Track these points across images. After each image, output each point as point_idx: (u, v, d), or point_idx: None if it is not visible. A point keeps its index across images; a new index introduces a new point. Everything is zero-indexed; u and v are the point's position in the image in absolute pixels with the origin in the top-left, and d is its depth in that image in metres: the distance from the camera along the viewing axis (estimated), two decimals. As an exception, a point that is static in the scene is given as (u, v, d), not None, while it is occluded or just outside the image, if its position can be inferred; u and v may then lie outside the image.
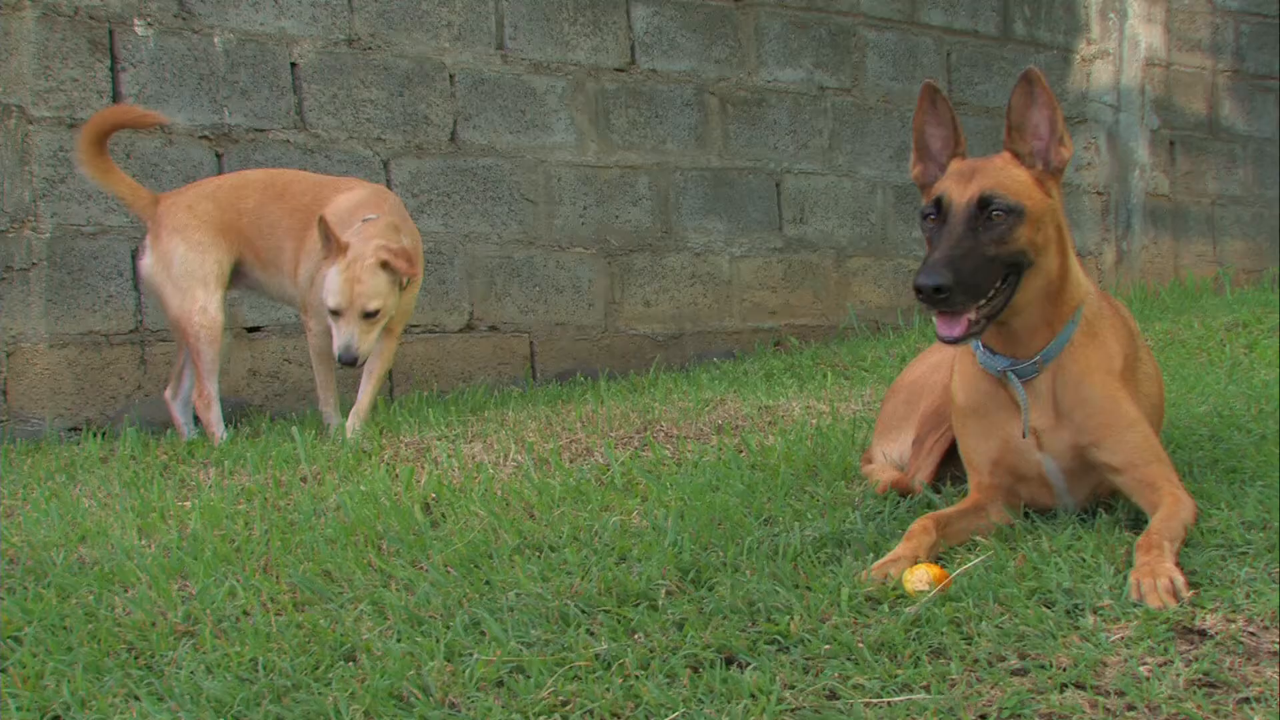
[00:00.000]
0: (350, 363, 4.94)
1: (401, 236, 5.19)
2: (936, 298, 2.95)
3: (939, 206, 3.09)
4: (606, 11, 7.28)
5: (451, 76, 6.76)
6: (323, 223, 4.95)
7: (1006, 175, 3.12)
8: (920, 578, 2.83)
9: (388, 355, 5.35)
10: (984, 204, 3.05)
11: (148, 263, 5.28)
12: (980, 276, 3.00)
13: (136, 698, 2.48)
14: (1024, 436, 3.23)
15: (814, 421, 4.76)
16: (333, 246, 4.95)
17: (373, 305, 4.93)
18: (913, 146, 3.30)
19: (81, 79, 5.76)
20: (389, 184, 6.50)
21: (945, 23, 8.66)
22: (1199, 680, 2.30)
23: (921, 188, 3.25)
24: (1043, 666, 2.39)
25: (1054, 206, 3.18)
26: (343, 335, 4.94)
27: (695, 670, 2.47)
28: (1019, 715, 2.22)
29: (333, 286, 4.94)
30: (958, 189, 3.08)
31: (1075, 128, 9.30)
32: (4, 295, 5.59)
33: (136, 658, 2.72)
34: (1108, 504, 3.35)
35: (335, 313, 4.96)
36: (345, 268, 4.91)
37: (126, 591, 3.15)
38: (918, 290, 2.97)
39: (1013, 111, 3.19)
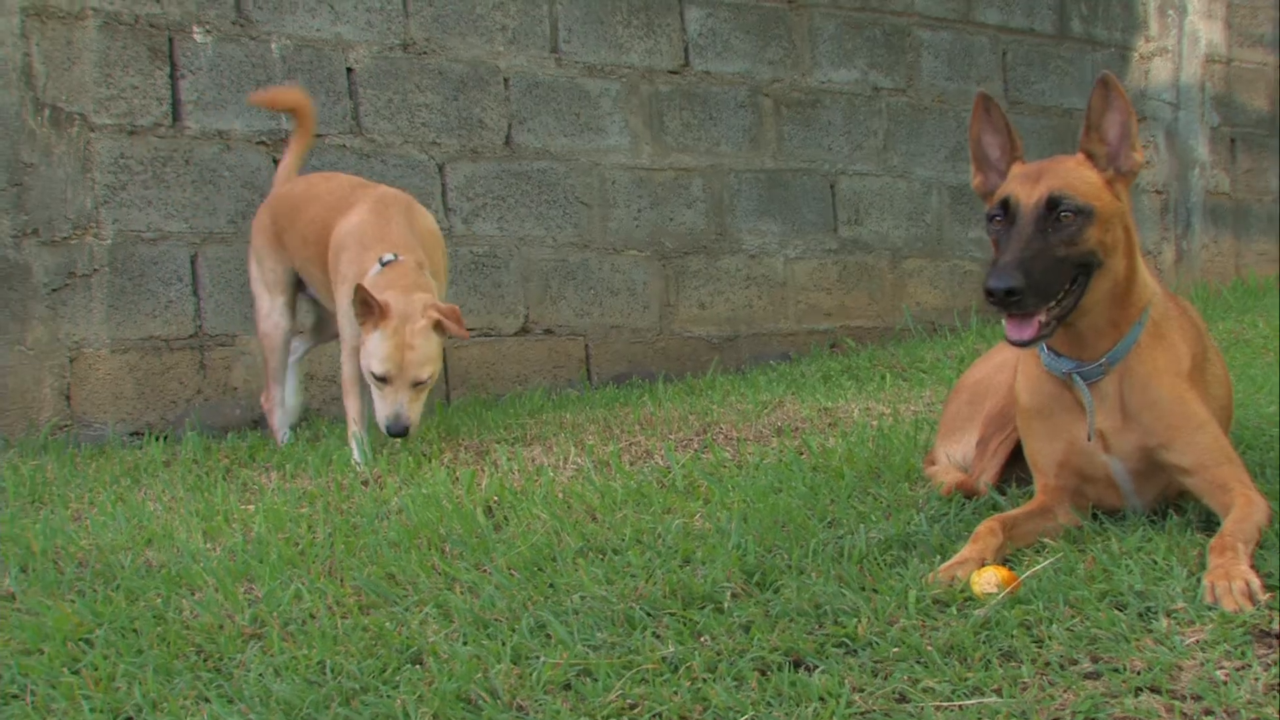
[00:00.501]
0: (400, 434, 4.53)
1: (424, 273, 4.81)
2: (1009, 300, 2.92)
3: (1006, 208, 3.06)
4: (660, 13, 7.27)
5: (506, 80, 6.77)
6: (360, 292, 4.50)
7: (1076, 176, 3.08)
8: (988, 580, 2.81)
9: None
10: (1053, 204, 3.02)
11: None
12: (1051, 278, 2.97)
13: (207, 699, 2.49)
14: (1089, 439, 3.19)
15: (874, 423, 4.73)
16: (374, 311, 4.52)
17: (425, 373, 4.54)
18: (971, 157, 3.28)
19: (142, 86, 5.82)
20: (444, 188, 6.52)
21: (1001, 21, 8.59)
22: (1278, 685, 2.26)
23: (983, 197, 3.23)
24: (1116, 670, 2.36)
25: (1123, 209, 3.15)
26: (389, 405, 4.52)
27: (763, 673, 2.46)
28: (1093, 719, 2.20)
29: (379, 352, 4.51)
30: (1025, 190, 3.05)
31: (1133, 126, 9.20)
32: (67, 301, 5.65)
33: (205, 660, 2.74)
34: (1177, 505, 3.30)
35: (382, 380, 4.53)
36: (393, 333, 4.51)
37: (194, 594, 3.17)
38: (989, 293, 2.94)
39: (1091, 112, 3.16)
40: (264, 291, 5.30)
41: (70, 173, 5.66)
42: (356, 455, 4.75)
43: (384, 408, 4.53)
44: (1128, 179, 3.17)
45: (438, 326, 4.57)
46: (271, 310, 5.26)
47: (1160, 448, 3.17)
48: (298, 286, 5.33)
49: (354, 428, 4.93)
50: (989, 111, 3.22)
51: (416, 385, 4.53)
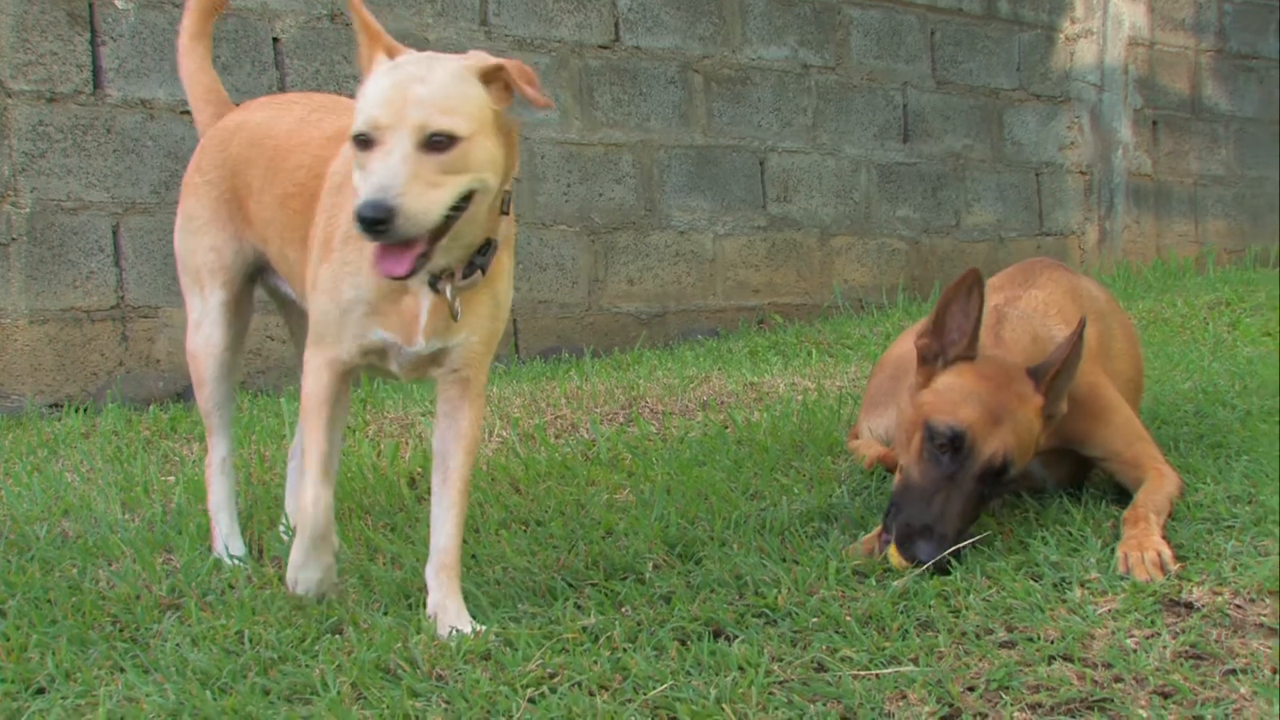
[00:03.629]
0: (374, 223, 2.28)
1: None
2: None
3: (956, 445, 2.92)
4: (591, -12, 7.24)
5: (435, 52, 6.72)
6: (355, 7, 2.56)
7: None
8: None
9: (474, 422, 2.75)
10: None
11: None
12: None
13: (122, 669, 2.47)
14: None
15: (799, 398, 4.76)
16: (372, 39, 2.54)
17: (441, 122, 2.36)
18: (931, 318, 3.07)
19: (61, 52, 5.71)
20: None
21: (930, 1, 8.64)
22: (1186, 652, 2.31)
23: (923, 359, 3.08)
24: (1030, 639, 2.40)
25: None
26: (373, 174, 2.34)
27: (683, 643, 2.47)
28: (1007, 687, 2.23)
29: (369, 94, 2.44)
30: (985, 433, 2.92)
31: (1059, 107, 9.30)
32: (-16, 270, 5.54)
33: (121, 630, 2.71)
34: (1092, 479, 3.36)
35: (365, 140, 2.38)
36: (395, 67, 2.47)
37: (110, 565, 3.13)
38: None
39: None
40: (194, 285, 3.22)
41: (-13, 139, 5.55)
42: (297, 557, 2.78)
43: (365, 184, 2.35)
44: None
45: (490, 76, 2.49)
46: (204, 316, 3.19)
47: (1073, 443, 3.22)
48: (253, 277, 3.25)
49: (304, 512, 2.72)
50: (970, 294, 3.01)
51: (432, 145, 2.35)
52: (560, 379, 5.77)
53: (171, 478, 4.05)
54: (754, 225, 7.86)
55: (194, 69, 3.35)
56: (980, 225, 8.87)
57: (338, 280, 2.64)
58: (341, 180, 2.69)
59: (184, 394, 5.72)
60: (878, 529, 3.01)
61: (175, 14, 5.91)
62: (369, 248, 2.44)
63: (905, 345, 3.99)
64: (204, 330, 3.17)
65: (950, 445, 2.89)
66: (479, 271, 2.55)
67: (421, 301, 2.59)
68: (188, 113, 5.96)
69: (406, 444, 4.33)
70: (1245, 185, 10.43)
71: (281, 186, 2.96)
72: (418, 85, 2.39)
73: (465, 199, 2.40)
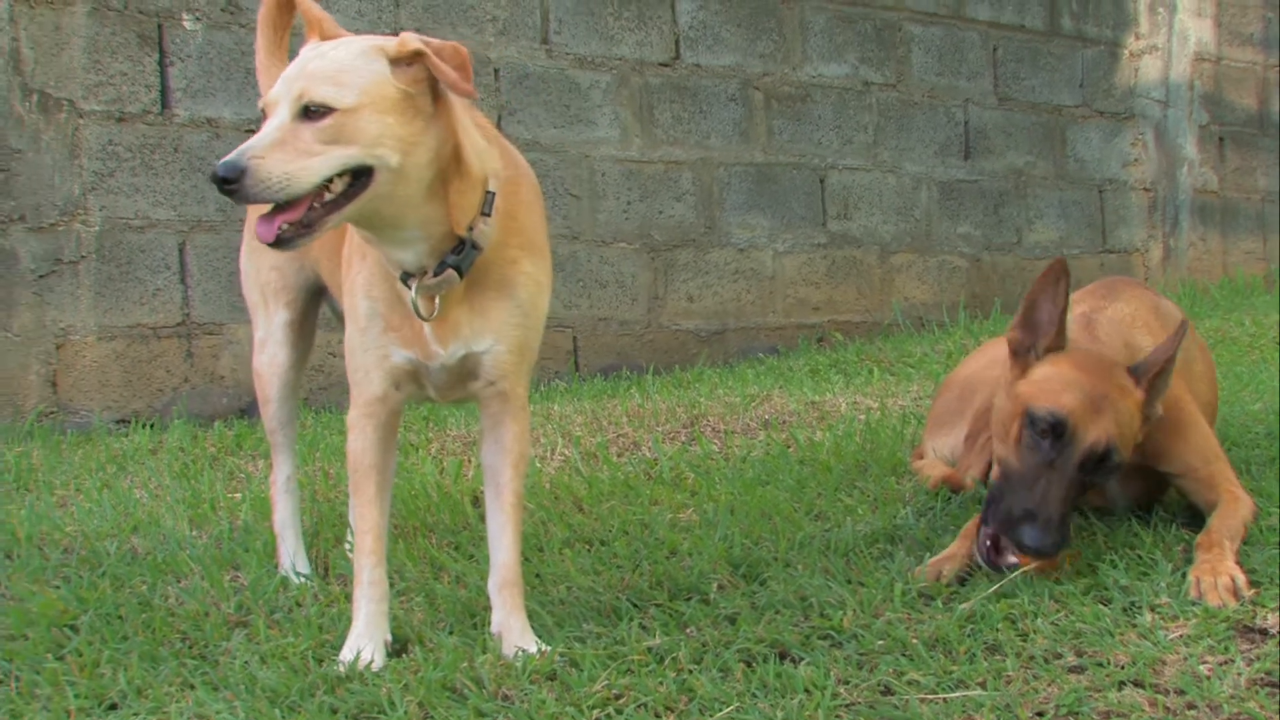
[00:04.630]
0: (223, 181, 2.27)
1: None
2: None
3: (1058, 431, 2.91)
4: (651, 6, 7.26)
5: (496, 71, 6.76)
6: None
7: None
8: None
9: (518, 436, 2.72)
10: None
11: None
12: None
13: (191, 686, 2.49)
14: None
15: (862, 417, 4.74)
16: (311, 25, 2.65)
17: (320, 92, 2.35)
18: (1019, 315, 3.08)
19: (130, 73, 5.80)
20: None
21: (992, 17, 8.60)
22: (1261, 679, 2.28)
23: (1014, 353, 3.08)
24: (1100, 664, 2.37)
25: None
26: (246, 142, 2.34)
27: (748, 664, 2.46)
28: (1076, 713, 2.20)
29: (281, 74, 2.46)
30: (1086, 420, 2.92)
31: (1122, 124, 9.22)
32: (54, 288, 5.63)
33: (190, 647, 2.73)
34: (1162, 501, 3.32)
35: (263, 114, 2.43)
36: (311, 47, 2.52)
37: (179, 581, 3.16)
38: None
39: None
40: (260, 303, 3.26)
41: (58, 159, 5.64)
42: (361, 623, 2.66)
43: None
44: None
45: (402, 58, 2.44)
46: (268, 335, 3.24)
47: (1151, 456, 3.18)
48: (317, 296, 3.29)
49: (364, 569, 2.67)
50: (1057, 285, 3.02)
51: (308, 114, 2.35)
52: (621, 396, 5.77)
53: (238, 495, 4.08)
54: (814, 242, 7.84)
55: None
56: (1042, 243, 8.80)
57: (354, 298, 2.65)
58: None
59: (248, 410, 5.78)
60: (946, 550, 2.98)
61: (241, 35, 5.98)
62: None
63: (973, 366, 3.97)
64: (269, 349, 3.23)
65: (1051, 431, 2.89)
66: (451, 271, 2.52)
67: (411, 307, 2.56)
68: (253, 131, 6.02)
69: (470, 462, 4.35)
70: (1313, 202, 10.29)
71: None
72: (315, 60, 2.43)
73: (364, 175, 2.38)
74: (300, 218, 2.37)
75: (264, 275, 3.25)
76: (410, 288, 2.53)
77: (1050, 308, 3.03)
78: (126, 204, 5.79)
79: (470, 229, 2.53)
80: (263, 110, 2.41)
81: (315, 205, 2.37)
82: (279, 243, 2.38)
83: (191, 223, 5.93)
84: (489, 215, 2.56)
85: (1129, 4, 9.26)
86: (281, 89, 2.39)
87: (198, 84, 5.94)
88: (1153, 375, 3.00)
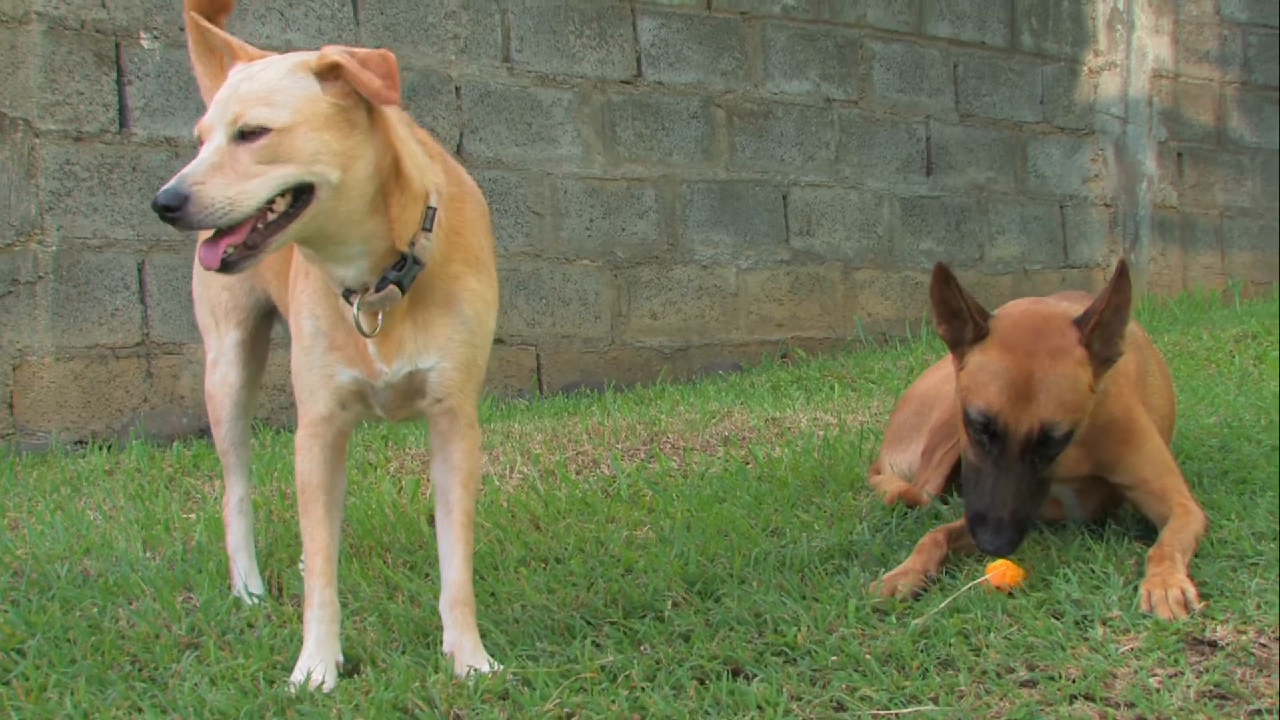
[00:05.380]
0: (166, 208, 2.28)
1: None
2: None
3: (991, 430, 2.96)
4: (612, 24, 7.27)
5: (458, 89, 6.76)
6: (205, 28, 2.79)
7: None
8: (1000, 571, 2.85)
9: (466, 454, 2.71)
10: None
11: None
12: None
13: (140, 710, 2.47)
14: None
15: (821, 433, 4.74)
16: (234, 52, 2.59)
17: (254, 114, 2.36)
18: (935, 315, 3.15)
19: (88, 92, 5.77)
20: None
21: (952, 34, 8.65)
22: (1210, 692, 2.28)
23: (951, 348, 3.15)
24: (1052, 678, 2.37)
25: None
26: (185, 169, 2.34)
27: (702, 682, 2.46)
28: (1028, 727, 2.20)
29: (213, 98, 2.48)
30: (1015, 411, 2.95)
31: (1082, 140, 9.28)
32: (10, 309, 5.58)
33: (140, 670, 2.71)
34: (1116, 515, 3.33)
35: (199, 141, 2.41)
36: (238, 70, 2.50)
37: (131, 604, 3.13)
38: None
39: None
40: (211, 324, 3.25)
41: (14, 179, 5.60)
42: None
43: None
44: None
45: (326, 72, 2.44)
46: (220, 356, 3.21)
47: (1105, 468, 3.20)
48: (269, 315, 3.26)
49: (314, 591, 2.65)
50: (946, 280, 3.09)
51: (244, 136, 2.35)
52: (582, 414, 5.76)
53: (192, 515, 4.06)
54: (777, 259, 7.86)
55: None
56: (1004, 258, 8.85)
57: (298, 317, 2.64)
58: None
59: (207, 430, 5.73)
60: (901, 566, 2.99)
61: (200, 53, 5.96)
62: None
63: (930, 381, 3.98)
64: (220, 370, 3.22)
65: (985, 430, 2.95)
66: (392, 286, 2.52)
67: (353, 324, 2.55)
68: (212, 151, 6.00)
69: (428, 481, 4.33)
70: (1272, 217, 10.37)
71: None
72: (245, 83, 2.42)
73: (305, 193, 2.38)
74: (244, 240, 2.36)
75: (214, 296, 3.24)
76: (353, 304, 2.52)
77: (955, 296, 3.08)
78: (84, 224, 5.76)
79: (412, 244, 2.53)
80: (199, 136, 2.40)
81: (259, 226, 2.37)
82: (224, 267, 2.38)
83: (150, 242, 5.90)
84: (430, 230, 2.56)
85: (1088, 21, 9.33)
86: (215, 113, 2.39)
87: (156, 103, 5.92)
88: (1095, 321, 2.99)
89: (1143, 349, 3.50)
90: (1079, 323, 3.01)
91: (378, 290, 2.52)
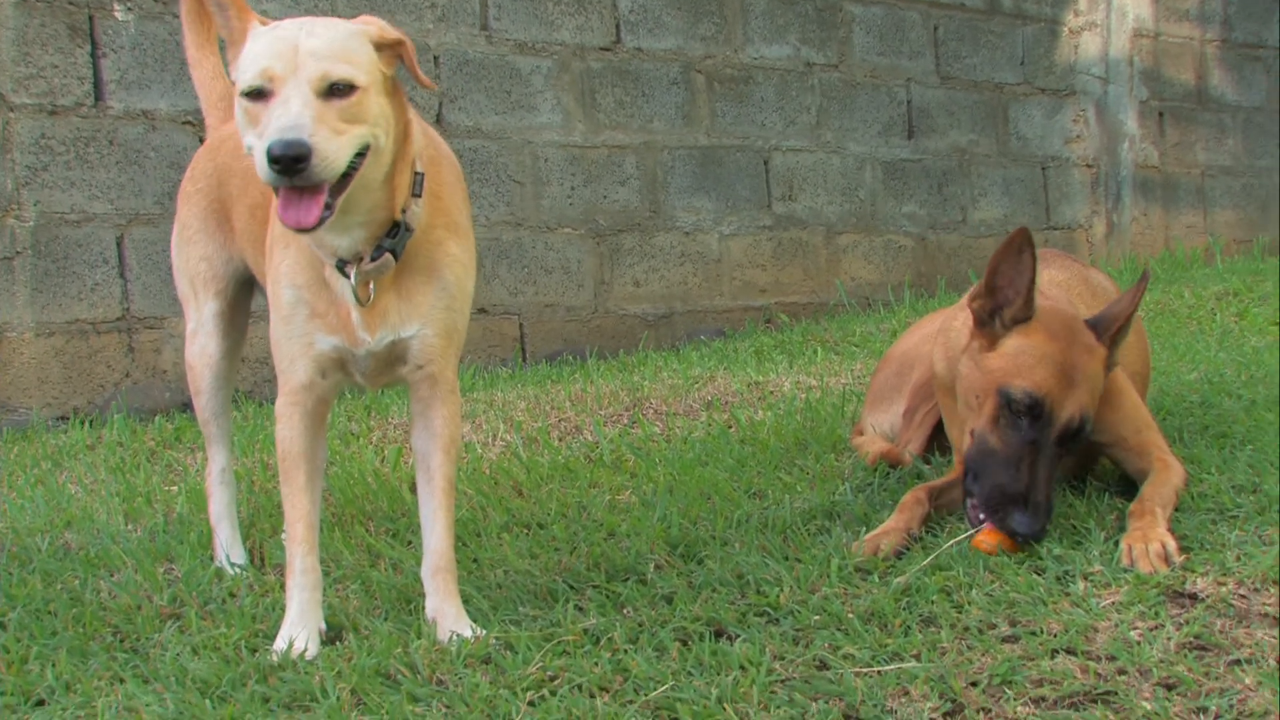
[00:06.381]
0: (293, 161, 2.24)
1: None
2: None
3: (1036, 412, 2.92)
4: (591, -10, 7.23)
5: (436, 58, 6.72)
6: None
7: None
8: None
9: (447, 420, 2.70)
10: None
11: None
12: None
13: (122, 680, 2.46)
14: None
15: (803, 396, 4.74)
16: (242, 12, 2.52)
17: (338, 70, 2.35)
18: (984, 283, 3.04)
19: (62, 65, 5.72)
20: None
21: (931, -4, 8.62)
22: (1190, 643, 2.29)
23: (977, 322, 3.07)
24: (1033, 633, 2.38)
25: None
26: (278, 118, 2.29)
27: (684, 643, 2.46)
28: (1010, 682, 2.21)
29: (259, 51, 2.38)
30: (1061, 397, 2.93)
31: (1064, 101, 9.27)
32: (-12, 284, 5.55)
33: (122, 641, 2.70)
34: (1096, 471, 3.34)
35: (258, 93, 2.34)
36: (275, 27, 2.45)
37: (112, 576, 3.13)
38: None
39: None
40: (190, 295, 3.22)
41: (-11, 153, 5.56)
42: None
43: (270, 124, 2.30)
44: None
45: (383, 45, 2.50)
46: (199, 326, 3.19)
47: None
48: (248, 285, 3.25)
49: (296, 558, 2.65)
50: (1022, 253, 2.99)
51: (332, 92, 2.35)
52: (565, 382, 5.76)
53: (174, 487, 4.05)
54: (759, 225, 7.84)
55: (205, 78, 3.38)
56: (987, 220, 8.85)
57: (277, 286, 2.61)
58: None
59: (189, 404, 5.72)
60: (883, 525, 2.99)
61: (175, 25, 5.92)
62: (275, 201, 2.35)
63: (910, 341, 3.98)
64: (199, 340, 3.19)
65: (1029, 412, 2.91)
66: (388, 255, 2.51)
67: (343, 293, 2.53)
68: (190, 123, 5.97)
69: (409, 449, 4.32)
70: (1253, 175, 10.39)
71: (251, 196, 2.97)
72: (309, 39, 2.37)
73: (360, 155, 2.37)
74: (326, 199, 2.32)
75: (193, 267, 3.20)
76: (349, 275, 2.50)
77: (1014, 276, 3.00)
78: (61, 198, 5.72)
79: (403, 211, 2.52)
80: (258, 88, 2.31)
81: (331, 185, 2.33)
82: (319, 224, 2.33)
83: (129, 216, 5.87)
84: (419, 196, 2.55)
85: (1067, -19, 9.31)
86: (285, 64, 2.32)
87: (132, 75, 5.87)
88: (1115, 330, 3.02)
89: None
90: (1094, 325, 3.03)
91: (373, 260, 2.51)
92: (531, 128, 7.02)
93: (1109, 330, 3.02)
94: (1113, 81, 9.52)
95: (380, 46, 2.44)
